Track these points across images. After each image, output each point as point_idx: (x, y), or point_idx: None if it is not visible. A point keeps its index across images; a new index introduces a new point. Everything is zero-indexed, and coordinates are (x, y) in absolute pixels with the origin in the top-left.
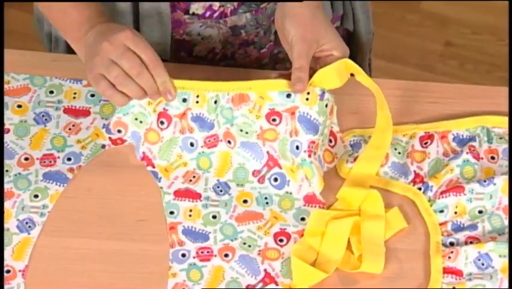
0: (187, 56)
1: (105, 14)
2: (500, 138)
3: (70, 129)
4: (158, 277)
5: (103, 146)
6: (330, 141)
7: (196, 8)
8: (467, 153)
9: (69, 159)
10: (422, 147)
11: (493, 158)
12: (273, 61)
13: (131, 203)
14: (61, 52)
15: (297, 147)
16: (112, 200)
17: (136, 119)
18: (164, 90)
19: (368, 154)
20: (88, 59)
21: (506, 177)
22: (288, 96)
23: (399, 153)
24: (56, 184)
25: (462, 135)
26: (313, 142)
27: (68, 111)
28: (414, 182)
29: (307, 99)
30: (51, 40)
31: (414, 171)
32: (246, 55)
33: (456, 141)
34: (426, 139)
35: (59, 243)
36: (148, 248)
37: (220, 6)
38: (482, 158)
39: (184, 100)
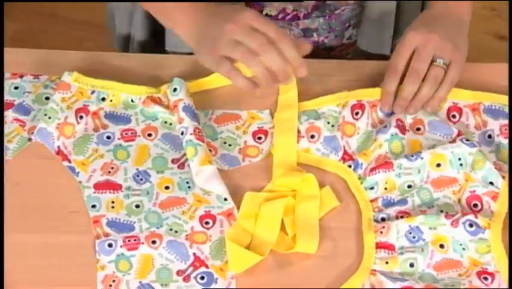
0: None
1: None
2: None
3: None
4: (93, 269)
5: (30, 139)
6: (259, 138)
7: (270, 10)
8: (394, 127)
9: None
10: (353, 118)
11: (418, 129)
12: None
13: (62, 195)
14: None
15: (182, 133)
16: (42, 193)
17: (45, 115)
18: (297, 65)
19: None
20: (204, 42)
21: (433, 151)
22: (174, 90)
23: (332, 126)
24: None
25: None
26: (198, 128)
27: None
28: (343, 158)
29: (190, 96)
30: (125, 41)
31: (344, 147)
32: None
33: (383, 111)
34: (358, 109)
35: None
36: (82, 240)
37: (293, 10)
38: (408, 131)
39: (103, 99)
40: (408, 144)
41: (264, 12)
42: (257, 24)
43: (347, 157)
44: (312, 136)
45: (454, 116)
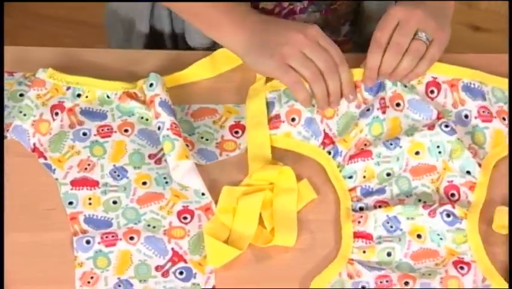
0: None
1: None
2: (405, 86)
3: None
4: (71, 266)
5: (5, 137)
6: (236, 132)
7: (266, 3)
8: (377, 109)
9: None
10: None
11: (398, 104)
12: None
13: (38, 192)
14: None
15: (159, 128)
16: (18, 191)
17: (20, 112)
18: (349, 90)
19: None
20: (266, 48)
21: (412, 139)
22: (151, 85)
23: (313, 105)
24: None
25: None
26: (175, 123)
27: None
28: (323, 143)
29: (166, 90)
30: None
31: (324, 130)
32: None
33: (368, 90)
34: None
35: None
36: (59, 237)
37: (289, 4)
38: (388, 107)
39: (79, 95)
40: (387, 124)
41: (260, 6)
42: (323, 42)
43: (327, 141)
44: (293, 120)
45: (432, 92)
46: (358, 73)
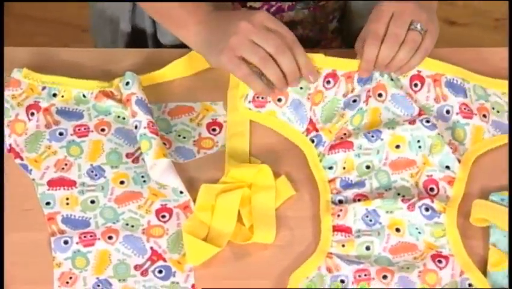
0: None
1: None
2: (391, 80)
3: None
4: (49, 267)
5: None
6: (214, 130)
7: (253, 1)
8: (363, 101)
9: None
10: (323, 86)
11: (380, 95)
12: None
13: (15, 193)
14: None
15: (136, 126)
16: None
17: None
18: (307, 71)
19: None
20: (216, 42)
21: (393, 132)
22: (127, 84)
23: (301, 88)
24: None
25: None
26: (151, 122)
27: None
28: (307, 130)
29: (143, 89)
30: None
31: (310, 118)
32: None
33: (358, 81)
34: (330, 78)
35: None
36: (37, 238)
37: (277, 2)
38: (370, 96)
39: (54, 95)
40: (368, 114)
41: (248, 4)
42: (272, 25)
43: (311, 127)
44: (279, 100)
45: (416, 85)
46: (353, 64)
